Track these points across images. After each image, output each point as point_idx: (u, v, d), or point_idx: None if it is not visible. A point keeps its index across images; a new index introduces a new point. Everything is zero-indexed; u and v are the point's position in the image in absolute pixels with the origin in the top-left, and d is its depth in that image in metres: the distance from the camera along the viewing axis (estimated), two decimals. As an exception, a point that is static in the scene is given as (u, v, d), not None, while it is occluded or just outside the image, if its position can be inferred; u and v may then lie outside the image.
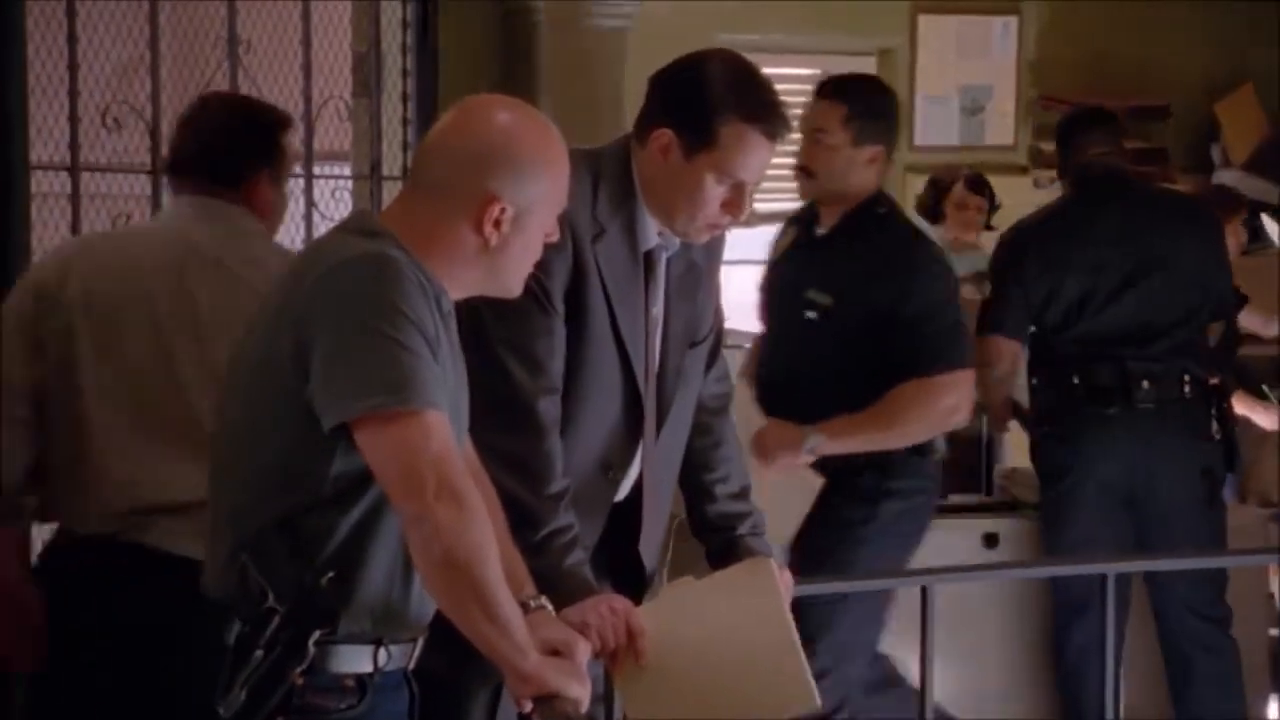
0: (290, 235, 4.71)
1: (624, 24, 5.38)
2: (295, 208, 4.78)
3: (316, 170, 4.94)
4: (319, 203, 4.94)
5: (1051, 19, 7.08)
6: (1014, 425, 5.38)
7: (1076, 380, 4.96)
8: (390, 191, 5.02)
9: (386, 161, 5.16)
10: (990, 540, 5.10)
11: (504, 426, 3.00)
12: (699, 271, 3.28)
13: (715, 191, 3.07)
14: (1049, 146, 6.78)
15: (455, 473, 2.48)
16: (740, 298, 4.43)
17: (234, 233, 3.38)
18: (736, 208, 3.10)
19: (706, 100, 3.06)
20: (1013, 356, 5.04)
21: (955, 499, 5.21)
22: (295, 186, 4.78)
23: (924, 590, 3.56)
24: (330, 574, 2.53)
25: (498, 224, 2.61)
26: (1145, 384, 4.91)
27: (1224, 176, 6.82)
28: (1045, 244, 5.06)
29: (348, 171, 5.23)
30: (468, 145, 2.63)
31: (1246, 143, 6.96)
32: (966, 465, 5.33)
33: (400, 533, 2.51)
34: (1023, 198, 6.75)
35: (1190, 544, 4.91)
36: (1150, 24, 7.09)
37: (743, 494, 3.36)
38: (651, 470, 3.24)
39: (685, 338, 3.27)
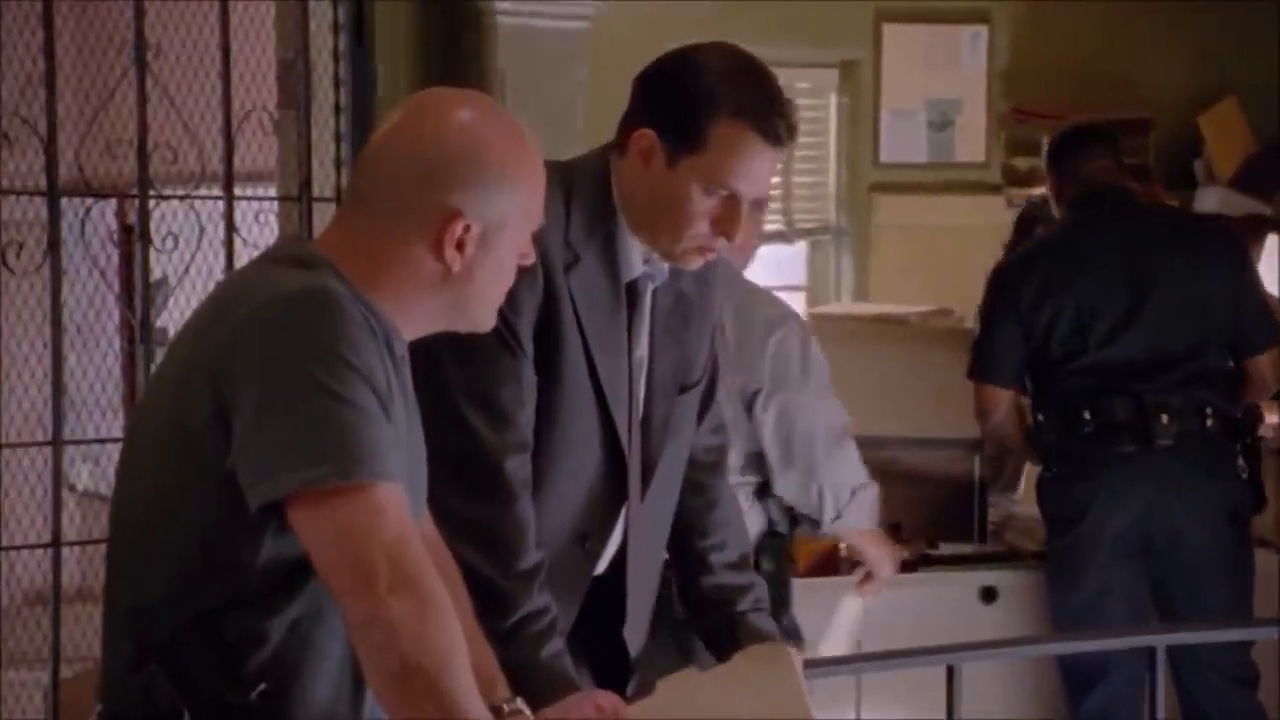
0: (208, 266, 4.35)
1: (582, 25, 5.07)
2: (214, 233, 4.53)
3: (238, 191, 4.66)
4: (241, 227, 4.65)
5: (1023, 28, 6.84)
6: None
7: (1087, 416, 4.65)
8: (322, 215, 4.78)
9: (317, 181, 4.89)
10: (989, 594, 4.87)
11: (465, 490, 2.68)
12: (690, 304, 2.89)
13: (704, 205, 2.66)
14: (1023, 163, 6.57)
15: (413, 560, 2.13)
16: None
17: None
18: (730, 226, 2.68)
19: (695, 94, 2.65)
20: (1008, 405, 4.81)
21: (947, 549, 4.96)
22: (214, 209, 4.53)
23: (950, 669, 3.19)
24: (262, 686, 2.19)
25: (461, 245, 2.27)
26: (1164, 418, 4.62)
27: (1209, 193, 6.54)
28: (1040, 270, 4.79)
29: (273, 192, 4.94)
30: (421, 151, 2.27)
31: (1231, 157, 6.76)
32: (958, 511, 5.00)
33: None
34: (996, 218, 6.48)
35: (1218, 597, 4.63)
36: (1128, 33, 6.93)
37: (742, 563, 3.03)
38: (636, 539, 2.88)
39: (674, 382, 2.89)
